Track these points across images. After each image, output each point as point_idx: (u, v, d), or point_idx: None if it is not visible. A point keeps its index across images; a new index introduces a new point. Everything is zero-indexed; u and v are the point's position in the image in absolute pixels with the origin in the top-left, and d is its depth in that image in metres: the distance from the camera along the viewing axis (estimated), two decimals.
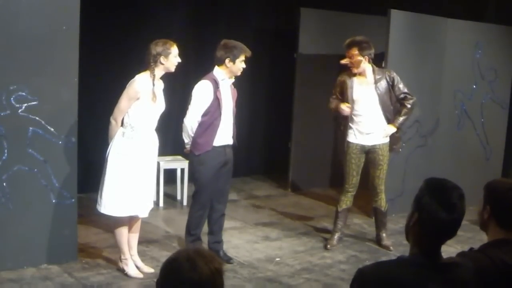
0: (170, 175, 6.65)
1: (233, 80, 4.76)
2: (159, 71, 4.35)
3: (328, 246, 5.39)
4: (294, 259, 5.10)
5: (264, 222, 6.15)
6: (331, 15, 7.24)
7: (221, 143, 4.69)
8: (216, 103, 4.58)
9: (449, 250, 2.38)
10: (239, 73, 4.71)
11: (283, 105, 7.64)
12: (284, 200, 7.15)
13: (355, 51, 5.04)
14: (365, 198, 6.08)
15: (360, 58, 5.05)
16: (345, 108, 5.17)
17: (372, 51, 5.14)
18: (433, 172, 6.08)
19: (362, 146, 5.22)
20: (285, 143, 7.51)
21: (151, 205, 4.60)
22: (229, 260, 4.90)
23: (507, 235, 2.37)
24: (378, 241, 5.54)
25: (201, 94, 4.59)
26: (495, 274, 2.26)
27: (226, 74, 4.65)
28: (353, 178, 5.29)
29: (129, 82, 4.32)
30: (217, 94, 4.58)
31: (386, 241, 5.49)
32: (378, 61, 6.18)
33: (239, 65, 4.63)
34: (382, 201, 5.42)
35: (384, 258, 4.98)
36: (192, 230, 4.82)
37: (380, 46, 6.36)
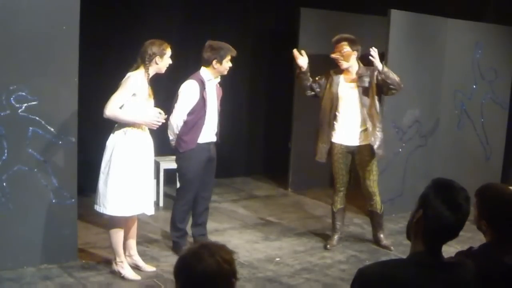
0: (170, 175, 6.64)
1: (218, 79, 4.89)
2: (152, 71, 4.39)
3: (328, 246, 5.39)
4: (294, 259, 5.10)
5: (264, 222, 6.15)
6: (331, 15, 7.23)
7: (205, 140, 4.84)
8: (202, 102, 4.73)
9: (449, 250, 2.37)
10: (225, 73, 4.87)
11: (283, 105, 7.64)
12: (284, 200, 7.15)
13: (345, 45, 5.03)
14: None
15: (350, 50, 5.02)
16: (298, 57, 5.09)
17: (360, 48, 5.10)
18: (433, 172, 6.11)
19: (347, 147, 5.16)
20: (285, 143, 7.51)
21: (153, 202, 4.62)
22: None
23: (503, 237, 2.39)
24: (377, 241, 5.52)
25: (187, 94, 4.74)
26: (493, 274, 2.27)
27: (212, 75, 4.82)
28: (343, 177, 5.26)
29: (124, 78, 4.32)
30: (203, 94, 4.73)
31: (385, 241, 5.47)
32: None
33: (226, 65, 4.79)
34: (377, 204, 5.34)
35: (384, 258, 4.98)
36: (178, 224, 4.95)
37: (380, 46, 6.36)
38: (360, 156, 5.18)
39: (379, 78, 5.00)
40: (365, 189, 5.30)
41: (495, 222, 2.41)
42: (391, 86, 4.99)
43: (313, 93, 5.28)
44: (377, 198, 5.32)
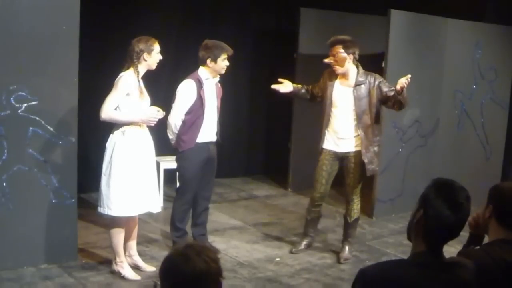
0: (170, 175, 6.64)
1: (217, 79, 4.88)
2: (142, 68, 4.37)
3: (294, 250, 5.23)
4: (294, 259, 5.10)
5: (264, 222, 6.15)
6: (331, 15, 7.23)
7: (204, 140, 4.82)
8: (199, 102, 4.72)
9: (450, 250, 2.36)
10: (222, 72, 4.83)
11: (283, 105, 7.63)
12: (284, 200, 7.15)
13: (339, 49, 4.76)
14: (364, 198, 6.06)
15: (344, 55, 4.76)
16: (278, 88, 5.10)
17: (357, 50, 4.81)
18: (433, 172, 6.10)
19: (335, 153, 4.94)
20: (285, 143, 7.51)
21: (159, 200, 4.60)
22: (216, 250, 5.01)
23: (507, 236, 2.38)
24: (340, 251, 5.19)
25: (184, 93, 4.73)
26: (496, 273, 2.26)
27: (210, 74, 4.80)
28: (322, 187, 4.99)
29: (117, 79, 4.30)
30: (201, 93, 4.72)
31: (345, 254, 5.11)
32: (378, 61, 6.19)
33: (221, 63, 4.76)
34: (352, 212, 5.06)
35: (385, 259, 4.99)
36: (178, 224, 4.94)
37: (380, 46, 6.37)
38: (347, 162, 4.93)
39: (389, 94, 4.74)
40: (345, 193, 5.11)
41: (504, 212, 2.39)
42: (401, 105, 4.75)
43: (319, 99, 5.10)
44: (354, 207, 5.05)
